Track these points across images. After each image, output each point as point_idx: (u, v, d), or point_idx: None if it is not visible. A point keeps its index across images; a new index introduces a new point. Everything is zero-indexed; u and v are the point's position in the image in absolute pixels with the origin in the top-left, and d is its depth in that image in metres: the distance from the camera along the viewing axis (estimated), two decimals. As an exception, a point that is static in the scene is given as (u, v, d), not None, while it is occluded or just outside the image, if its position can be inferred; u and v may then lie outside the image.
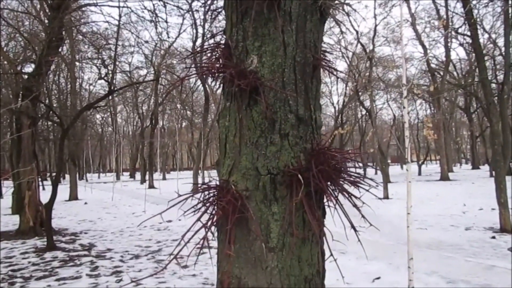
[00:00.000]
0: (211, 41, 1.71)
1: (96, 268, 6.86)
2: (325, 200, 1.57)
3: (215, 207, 1.47)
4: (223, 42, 1.66)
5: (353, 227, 1.42)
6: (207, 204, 1.47)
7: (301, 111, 1.55)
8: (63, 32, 10.36)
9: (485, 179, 27.03)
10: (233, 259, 1.48)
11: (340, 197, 1.51)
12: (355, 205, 1.44)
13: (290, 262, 1.48)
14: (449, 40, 29.03)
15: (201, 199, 1.49)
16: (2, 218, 13.85)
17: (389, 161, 36.25)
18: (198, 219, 1.41)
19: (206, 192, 1.52)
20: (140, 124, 40.82)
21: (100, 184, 37.32)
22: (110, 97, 24.21)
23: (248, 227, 1.48)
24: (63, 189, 25.18)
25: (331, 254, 1.40)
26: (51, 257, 7.75)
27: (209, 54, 1.65)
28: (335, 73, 1.69)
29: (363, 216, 1.47)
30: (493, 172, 11.16)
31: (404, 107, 4.77)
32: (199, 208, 1.49)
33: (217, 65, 1.57)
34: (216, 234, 1.58)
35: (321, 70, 1.68)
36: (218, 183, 1.55)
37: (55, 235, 9.74)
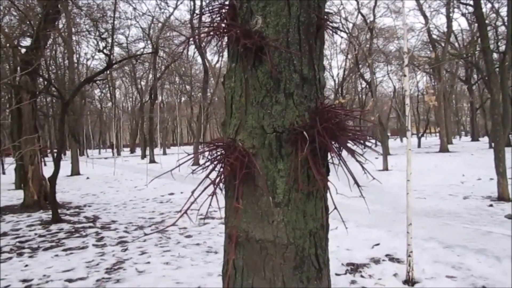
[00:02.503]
0: (216, 3, 1.72)
1: (102, 239, 7.01)
2: (329, 157, 1.63)
3: (223, 164, 1.52)
4: (227, 3, 1.68)
5: (356, 182, 1.48)
6: (215, 162, 1.52)
7: (305, 71, 1.58)
8: (59, 5, 10.22)
9: (484, 150, 27.21)
10: (241, 214, 1.55)
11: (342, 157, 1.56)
12: (358, 162, 1.49)
13: (296, 216, 1.54)
14: (451, 10, 28.60)
15: (209, 157, 1.54)
16: (7, 194, 14.03)
17: (388, 134, 36.36)
18: (207, 176, 1.46)
19: (214, 151, 1.57)
20: (139, 99, 40.68)
21: (101, 160, 37.53)
22: (109, 72, 24.06)
23: (255, 183, 1.54)
24: (65, 165, 25.36)
25: (335, 208, 1.46)
26: (57, 229, 7.90)
27: (214, 16, 1.67)
28: (338, 33, 1.71)
29: (356, 183, 1.52)
30: (492, 144, 11.24)
31: (405, 75, 4.77)
32: (207, 166, 1.54)
33: (223, 25, 1.59)
34: (223, 192, 1.64)
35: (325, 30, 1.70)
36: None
37: (59, 208, 9.89)
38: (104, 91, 41.86)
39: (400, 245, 5.79)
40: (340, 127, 1.49)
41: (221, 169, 1.53)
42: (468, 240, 5.91)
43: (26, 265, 5.61)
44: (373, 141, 1.57)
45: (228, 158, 1.48)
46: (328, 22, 1.64)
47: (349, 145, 1.56)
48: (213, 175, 1.53)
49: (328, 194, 1.62)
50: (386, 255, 5.38)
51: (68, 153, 29.50)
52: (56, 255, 6.07)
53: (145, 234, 7.10)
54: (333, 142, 1.50)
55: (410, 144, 4.72)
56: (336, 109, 1.54)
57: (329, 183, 1.56)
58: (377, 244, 5.86)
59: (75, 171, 20.93)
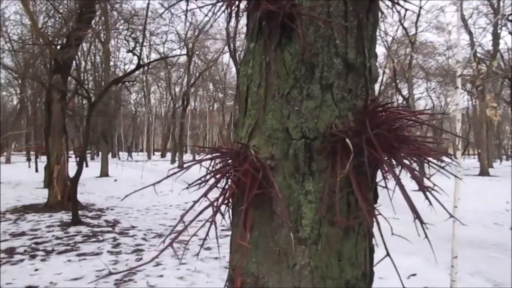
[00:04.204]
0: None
1: (118, 245, 6.71)
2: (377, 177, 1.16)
3: (229, 179, 1.08)
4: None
5: (420, 220, 1.00)
6: (218, 175, 1.08)
7: (351, 55, 1.13)
8: (96, 6, 10.19)
9: (529, 175, 25.52)
10: (250, 251, 1.10)
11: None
12: (426, 189, 1.02)
13: (327, 260, 1.08)
14: (498, 27, 27.26)
15: (210, 168, 1.11)
16: (34, 192, 14.12)
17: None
18: (204, 195, 1.03)
19: (218, 160, 1.13)
20: (172, 105, 41.06)
21: (131, 163, 37.93)
22: (143, 76, 24.25)
23: (272, 209, 1.09)
24: (95, 166, 25.68)
25: (388, 254, 0.99)
26: (75, 231, 7.68)
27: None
28: (398, 8, 1.24)
29: (420, 221, 1.05)
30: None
31: (457, 87, 4.21)
32: (207, 180, 1.11)
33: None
34: (229, 215, 1.20)
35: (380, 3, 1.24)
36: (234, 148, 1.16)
37: (81, 210, 9.75)
38: (139, 96, 42.53)
39: (440, 277, 5.16)
40: (400, 136, 1.03)
41: (226, 186, 1.09)
42: (520, 278, 5.19)
43: (36, 269, 5.36)
44: (445, 159, 1.10)
45: (235, 172, 1.04)
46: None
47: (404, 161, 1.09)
48: (215, 193, 1.09)
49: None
50: (424, 288, 4.77)
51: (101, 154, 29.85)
52: (69, 260, 5.80)
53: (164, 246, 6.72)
54: (386, 157, 1.03)
55: (460, 161, 4.14)
56: (394, 110, 1.07)
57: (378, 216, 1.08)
58: (414, 275, 5.26)
59: (104, 173, 21.03)
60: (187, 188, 1.14)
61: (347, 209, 1.10)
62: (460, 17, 23.83)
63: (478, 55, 30.83)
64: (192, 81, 31.46)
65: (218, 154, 1.10)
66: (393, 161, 1.03)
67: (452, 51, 28.87)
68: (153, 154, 46.83)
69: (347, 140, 0.97)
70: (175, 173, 1.08)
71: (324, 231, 1.07)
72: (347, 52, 1.13)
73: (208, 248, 6.43)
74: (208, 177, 1.10)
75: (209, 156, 1.10)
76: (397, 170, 1.07)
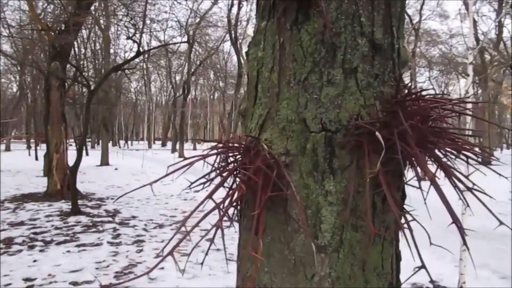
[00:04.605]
0: None
1: (118, 236, 6.61)
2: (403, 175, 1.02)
3: (237, 178, 0.94)
4: None
5: (458, 224, 0.86)
6: (225, 173, 0.94)
7: (378, 35, 0.98)
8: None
9: (531, 165, 25.40)
10: (262, 259, 0.96)
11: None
12: (467, 189, 0.88)
13: (350, 270, 0.94)
14: (502, 15, 26.86)
15: (216, 165, 0.97)
16: (34, 180, 14.03)
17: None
18: (209, 197, 0.89)
19: (224, 155, 0.99)
20: (173, 94, 40.82)
21: (132, 151, 37.82)
22: (143, 64, 24.00)
23: (287, 212, 0.95)
24: (96, 154, 25.59)
25: (423, 266, 0.86)
26: (74, 221, 7.58)
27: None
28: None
29: (458, 226, 0.92)
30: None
31: (468, 75, 4.05)
32: (212, 179, 0.97)
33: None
34: (236, 217, 1.06)
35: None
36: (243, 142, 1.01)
37: (81, 199, 9.65)
38: (139, 84, 42.23)
39: (447, 270, 5.06)
40: (436, 129, 0.88)
41: (234, 185, 0.95)
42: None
43: (35, 260, 5.26)
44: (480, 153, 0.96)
45: (245, 169, 0.90)
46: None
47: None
48: (221, 193, 0.96)
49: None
50: (431, 281, 4.66)
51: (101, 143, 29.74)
52: (68, 251, 5.70)
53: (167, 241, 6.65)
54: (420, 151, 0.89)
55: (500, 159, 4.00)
56: (430, 98, 0.92)
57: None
58: (420, 267, 5.15)
59: (105, 161, 20.94)
60: (189, 187, 1.00)
61: (373, 211, 0.96)
62: (463, 3, 23.46)
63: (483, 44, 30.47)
64: (192, 70, 31.17)
65: (225, 149, 0.96)
66: (429, 157, 0.89)
67: (455, 39, 28.54)
68: (154, 143, 46.75)
69: (377, 133, 0.83)
70: (177, 169, 0.94)
71: (346, 237, 0.94)
72: (374, 32, 0.98)
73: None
74: (213, 175, 0.96)
75: (214, 151, 0.95)
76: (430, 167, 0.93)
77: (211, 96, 46.44)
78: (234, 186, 0.95)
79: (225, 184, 0.96)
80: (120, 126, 44.60)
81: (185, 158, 0.98)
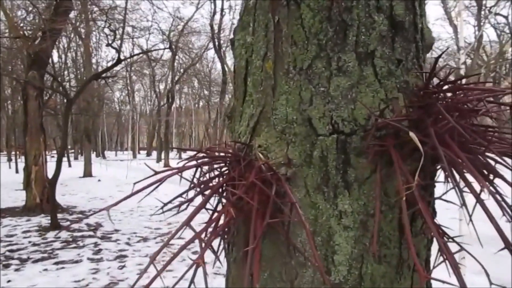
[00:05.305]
0: None
1: (99, 252, 6.28)
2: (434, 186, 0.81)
3: (222, 197, 0.72)
4: None
5: (504, 239, 0.66)
6: (207, 191, 0.72)
7: (399, 10, 0.77)
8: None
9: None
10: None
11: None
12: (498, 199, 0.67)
13: (373, 314, 0.72)
14: (481, 20, 27.35)
15: (197, 180, 0.74)
16: (13, 194, 13.51)
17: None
18: (187, 224, 0.66)
19: (207, 167, 0.76)
20: (157, 103, 40.36)
21: (116, 162, 37.14)
22: (126, 72, 23.61)
23: (289, 240, 0.73)
24: (79, 165, 24.99)
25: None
26: (53, 237, 7.21)
27: None
28: None
29: (503, 239, 0.72)
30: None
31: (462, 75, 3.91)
32: (192, 199, 0.74)
33: None
34: (222, 248, 0.84)
35: None
36: (231, 149, 0.79)
37: (62, 213, 9.27)
38: (123, 94, 41.68)
39: (444, 277, 4.89)
40: (481, 128, 0.68)
41: (220, 206, 0.73)
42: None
43: (9, 281, 4.92)
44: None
45: (234, 185, 0.67)
46: None
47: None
48: (204, 216, 0.73)
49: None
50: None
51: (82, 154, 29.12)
52: (45, 269, 5.36)
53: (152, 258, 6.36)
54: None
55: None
56: (473, 87, 0.72)
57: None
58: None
59: (88, 173, 20.40)
60: (161, 209, 0.77)
61: (398, 236, 0.74)
62: (444, 9, 23.80)
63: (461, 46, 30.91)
64: (176, 78, 30.86)
65: (207, 159, 0.73)
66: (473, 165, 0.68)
67: (435, 43, 28.95)
68: (139, 152, 46.11)
69: (411, 133, 0.62)
70: (144, 187, 0.71)
71: (367, 270, 0.72)
72: (393, 6, 0.77)
73: (195, 252, 6.06)
74: (192, 193, 0.74)
75: (193, 162, 0.73)
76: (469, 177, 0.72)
77: (196, 105, 46.09)
78: (220, 207, 0.73)
79: (208, 205, 0.74)
80: (104, 136, 43.86)
81: (156, 173, 0.75)
